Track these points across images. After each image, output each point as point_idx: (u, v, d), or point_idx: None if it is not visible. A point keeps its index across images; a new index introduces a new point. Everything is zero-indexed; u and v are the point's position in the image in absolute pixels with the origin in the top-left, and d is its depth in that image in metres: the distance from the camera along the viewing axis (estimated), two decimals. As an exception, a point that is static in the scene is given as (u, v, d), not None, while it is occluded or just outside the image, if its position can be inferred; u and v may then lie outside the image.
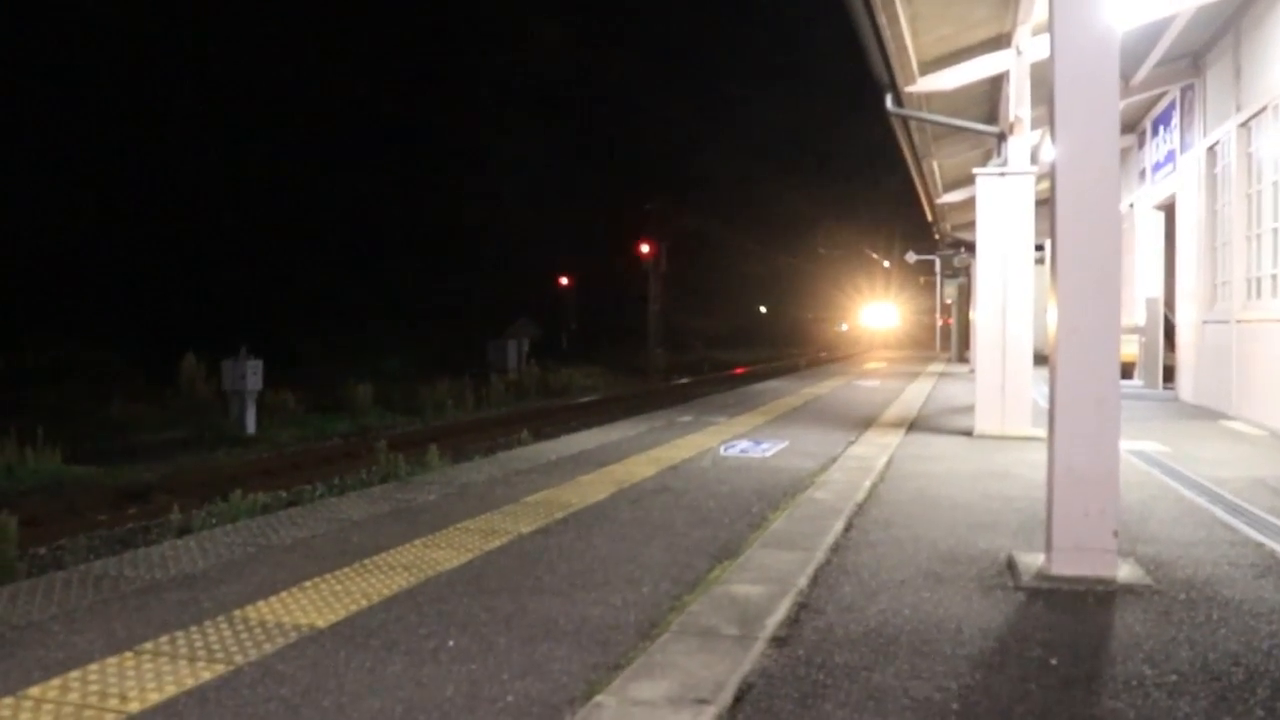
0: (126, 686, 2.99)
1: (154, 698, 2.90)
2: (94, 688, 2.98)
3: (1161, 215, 15.80)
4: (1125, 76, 11.89)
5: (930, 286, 41.96)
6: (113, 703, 2.86)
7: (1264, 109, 10.20)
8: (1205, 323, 12.50)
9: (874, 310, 61.02)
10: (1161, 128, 14.80)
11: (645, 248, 38.17)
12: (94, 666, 3.15)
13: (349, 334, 38.18)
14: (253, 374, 17.28)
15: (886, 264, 57.23)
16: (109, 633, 3.49)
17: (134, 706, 2.83)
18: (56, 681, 3.03)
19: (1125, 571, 4.21)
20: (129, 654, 3.27)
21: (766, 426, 10.40)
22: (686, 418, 11.43)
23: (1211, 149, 12.25)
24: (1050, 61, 4.27)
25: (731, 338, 58.56)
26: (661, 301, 38.55)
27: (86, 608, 3.80)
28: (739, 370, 38.31)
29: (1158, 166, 15.12)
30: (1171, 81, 13.16)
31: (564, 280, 55.84)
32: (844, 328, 59.32)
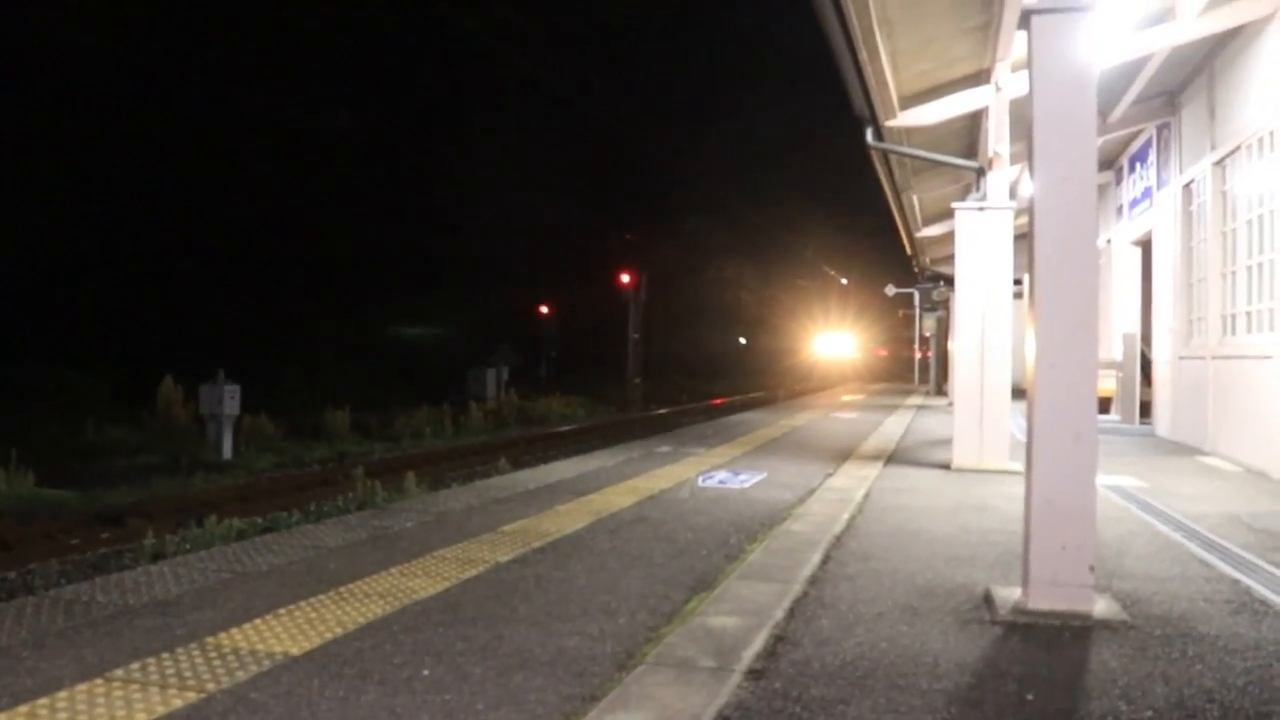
0: (96, 714, 2.95)
1: (124, 726, 2.86)
2: (63, 715, 2.94)
3: (1138, 251, 15.95)
4: (1103, 114, 12.03)
5: (909, 319, 42.17)
6: (82, 731, 2.82)
7: (1238, 148, 10.33)
8: (1181, 358, 12.60)
9: (849, 342, 61.31)
10: (1138, 164, 14.96)
11: (625, 277, 38.22)
12: (63, 694, 3.12)
13: (327, 360, 38.05)
14: (230, 399, 17.17)
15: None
16: (79, 659, 3.45)
17: (103, 735, 2.80)
18: (24, 709, 2.99)
19: (1102, 607, 4.22)
20: (99, 681, 3.24)
21: (744, 458, 10.41)
22: (665, 448, 11.42)
23: (1187, 186, 12.39)
24: (1029, 98, 4.33)
25: (710, 368, 58.63)
26: (641, 331, 38.56)
27: (57, 633, 3.75)
28: (718, 401, 38.34)
29: (1135, 203, 15.28)
30: (1148, 119, 13.32)
31: (544, 309, 55.83)
32: (821, 357, 59.49)
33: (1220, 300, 11.10)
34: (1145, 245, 15.22)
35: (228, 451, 17.08)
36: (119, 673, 3.32)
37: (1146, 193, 14.36)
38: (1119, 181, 16.54)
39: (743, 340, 73.59)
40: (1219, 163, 11.09)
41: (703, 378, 52.92)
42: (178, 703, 3.05)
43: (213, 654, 3.53)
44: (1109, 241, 16.81)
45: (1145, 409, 14.72)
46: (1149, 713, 3.08)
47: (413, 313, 49.02)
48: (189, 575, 4.75)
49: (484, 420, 25.41)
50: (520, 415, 27.83)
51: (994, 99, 10.08)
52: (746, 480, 8.51)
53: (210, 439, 17.27)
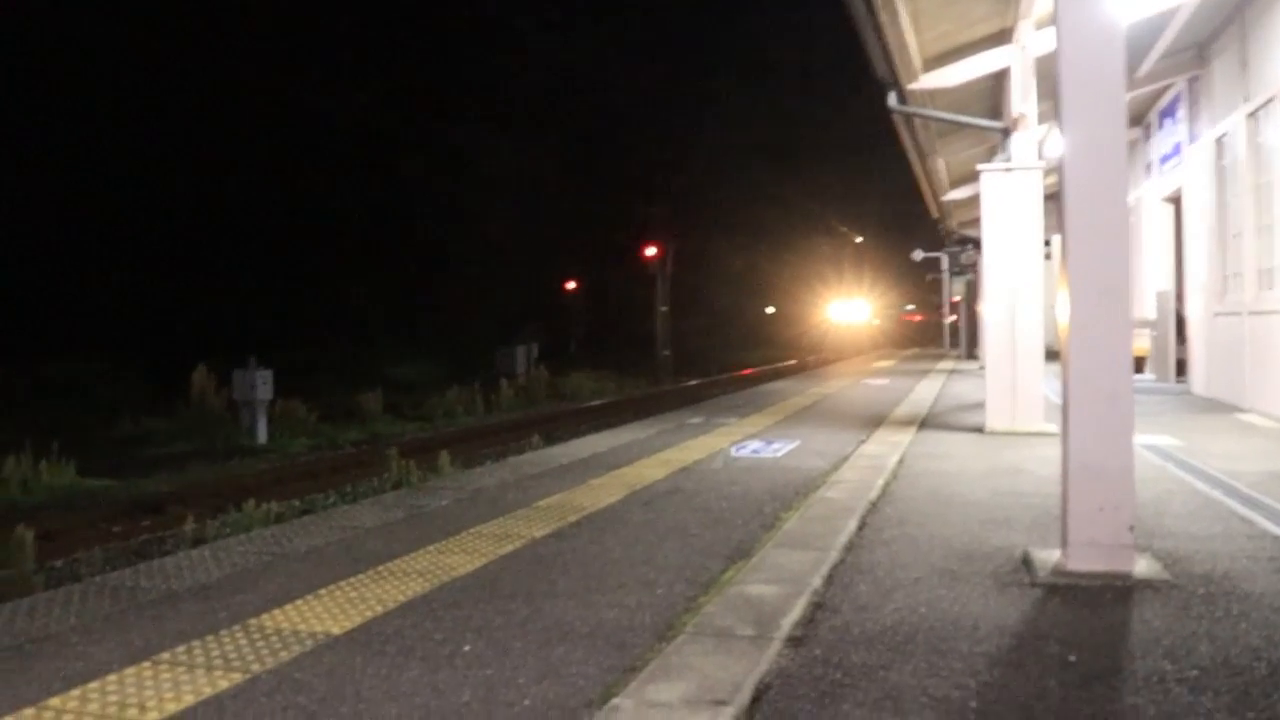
0: (145, 696, 2.99)
1: (172, 707, 2.90)
2: (113, 698, 2.98)
3: (1170, 208, 15.75)
4: (1131, 68, 11.86)
5: (937, 284, 41.85)
6: (131, 713, 2.87)
7: (1272, 99, 10.16)
8: (1216, 315, 12.46)
9: (877, 309, 61.06)
10: (1168, 120, 14.76)
11: (650, 250, 38.14)
12: (113, 677, 3.16)
13: (358, 343, 38.25)
14: (263, 384, 17.31)
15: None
16: (127, 643, 3.50)
17: (152, 716, 2.84)
18: (76, 692, 3.04)
19: (1142, 566, 4.19)
20: (147, 664, 3.28)
21: (777, 427, 10.39)
22: (696, 419, 11.42)
23: (1219, 140, 12.21)
24: (1056, 55, 4.26)
25: (739, 338, 58.50)
26: (668, 303, 38.52)
27: (104, 619, 3.81)
28: (747, 371, 38.26)
29: (1165, 159, 15.08)
30: (1177, 73, 13.11)
31: (570, 285, 55.86)
32: (849, 325, 59.19)
33: (1256, 255, 10.96)
34: (1176, 201, 15.03)
35: (262, 436, 17.23)
36: (165, 655, 3.36)
37: (1177, 148, 14.16)
38: (1148, 137, 16.32)
39: (771, 309, 73.34)
40: (1252, 115, 10.92)
41: (732, 348, 52.82)
42: (224, 684, 3.09)
43: (256, 635, 3.57)
44: (1139, 199, 16.61)
45: (1180, 367, 14.58)
46: (1194, 672, 3.07)
47: (442, 290, 49.14)
48: (229, 559, 4.80)
49: (515, 397, 25.50)
50: (551, 391, 27.91)
51: (1018, 58, 9.96)
52: (780, 449, 8.50)
53: (244, 424, 17.43)
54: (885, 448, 8.45)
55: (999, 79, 11.86)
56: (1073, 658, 3.21)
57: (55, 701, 2.97)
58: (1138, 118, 16.11)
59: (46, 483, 12.36)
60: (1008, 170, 9.50)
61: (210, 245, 39.66)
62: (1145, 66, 12.07)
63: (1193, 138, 13.24)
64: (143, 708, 2.90)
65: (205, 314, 35.11)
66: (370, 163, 50.43)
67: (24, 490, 11.97)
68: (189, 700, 2.96)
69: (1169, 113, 14.61)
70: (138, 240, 36.94)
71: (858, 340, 54.74)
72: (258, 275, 39.86)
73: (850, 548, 4.78)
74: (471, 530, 5.37)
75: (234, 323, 33.39)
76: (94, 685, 3.10)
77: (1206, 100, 12.53)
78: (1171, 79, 13.48)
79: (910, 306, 75.38)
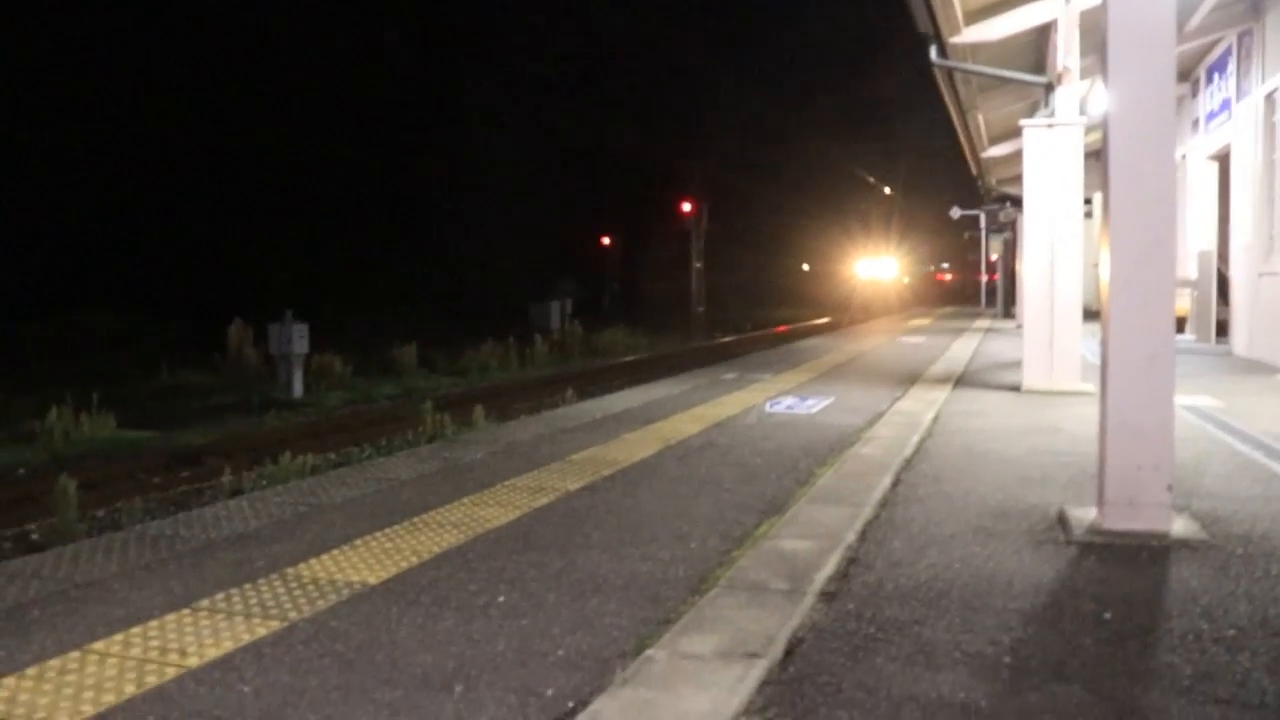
0: (186, 642, 3.04)
1: (212, 653, 2.95)
2: (154, 643, 3.04)
3: (1215, 166, 15.47)
4: (1179, 22, 11.58)
5: (975, 242, 41.47)
6: (173, 658, 2.92)
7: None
8: (1261, 275, 12.25)
9: (914, 266, 60.57)
10: (1216, 75, 14.45)
11: (686, 205, 37.96)
12: (154, 623, 3.22)
13: (393, 297, 38.41)
14: (299, 338, 17.41)
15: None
16: (167, 590, 3.56)
17: (193, 661, 2.89)
18: (119, 637, 3.09)
19: (1180, 526, 4.15)
20: (187, 611, 3.33)
21: (811, 383, 10.36)
22: (730, 375, 11.41)
23: (1270, 96, 11.94)
24: (1103, 7, 4.17)
25: (774, 295, 58.25)
26: (703, 259, 38.39)
27: (145, 567, 3.87)
28: (781, 328, 38.12)
29: (1212, 116, 14.79)
30: (1228, 27, 12.82)
31: (605, 240, 55.73)
32: (885, 282, 58.80)
33: (1303, 213, 10.75)
34: (1223, 160, 14.75)
35: (298, 390, 17.37)
36: (205, 603, 3.42)
37: (1225, 104, 13.88)
38: (1195, 94, 15.99)
39: (806, 266, 72.92)
40: (1303, 69, 10.67)
41: (767, 305, 52.62)
42: (262, 631, 3.13)
43: (293, 584, 3.62)
44: (1184, 157, 16.31)
45: (1221, 328, 14.38)
46: (1232, 631, 3.04)
47: (476, 245, 49.21)
48: (266, 510, 4.86)
49: (549, 353, 25.55)
50: (585, 347, 27.94)
51: (1063, 11, 9.77)
52: (814, 405, 8.47)
53: (281, 378, 17.56)
54: (920, 405, 8.40)
55: (1042, 33, 11.65)
56: (1108, 615, 3.19)
57: (99, 645, 3.03)
58: (1185, 73, 15.78)
59: (88, 434, 12.54)
60: (1050, 126, 9.35)
61: (249, 202, 39.88)
62: (1195, 20, 11.80)
63: (1241, 94, 12.96)
64: (183, 653, 2.95)
65: (243, 269, 35.38)
66: (406, 119, 50.40)
67: (66, 441, 12.15)
68: (228, 646, 3.00)
69: (1218, 68, 14.30)
70: (178, 195, 37.20)
71: (893, 298, 54.32)
72: (294, 232, 40.05)
73: (884, 504, 4.77)
74: (506, 483, 5.40)
75: (270, 278, 33.63)
76: (136, 630, 3.15)
77: (1258, 55, 12.24)
78: (1221, 32, 13.18)
79: (946, 265, 74.70)
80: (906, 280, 62.18)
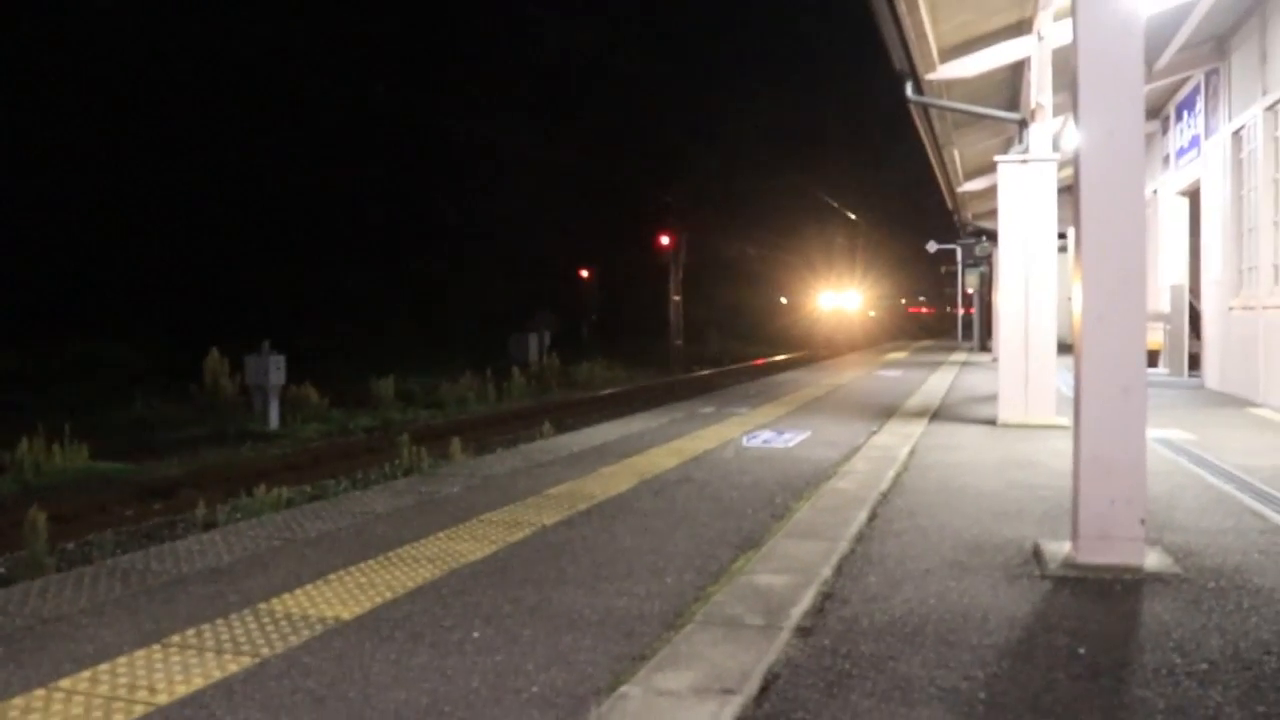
0: (155, 679, 3.00)
1: (182, 690, 2.91)
2: (123, 680, 3.00)
3: (1186, 201, 15.67)
4: (1149, 61, 11.78)
5: (951, 275, 41.76)
6: (142, 695, 2.88)
7: (1290, 92, 10.09)
8: (1231, 309, 12.39)
9: (891, 301, 60.95)
10: (1185, 113, 14.66)
11: (664, 239, 38.08)
12: (123, 659, 3.18)
13: (371, 329, 38.30)
14: (275, 369, 17.34)
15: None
16: (137, 626, 3.52)
17: (163, 699, 2.85)
18: (86, 674, 3.05)
19: (1153, 560, 4.18)
20: (157, 647, 3.29)
21: (788, 417, 10.38)
22: (708, 409, 11.42)
23: (1237, 134, 12.13)
24: (1073, 46, 4.23)
25: (752, 328, 58.41)
26: (681, 293, 38.47)
27: (115, 601, 3.82)
28: (760, 361, 38.22)
29: (1182, 152, 14.99)
30: (1196, 66, 13.03)
31: (584, 272, 55.80)
32: (863, 316, 59.08)
33: (1272, 249, 10.89)
34: (1193, 195, 14.95)
35: (274, 421, 17.27)
36: (175, 638, 3.38)
37: (1194, 141, 14.08)
38: (1165, 131, 16.22)
39: (784, 300, 73.20)
40: (1271, 108, 10.85)
41: (745, 338, 52.77)
42: (233, 667, 3.10)
43: (265, 619, 3.59)
44: (1155, 192, 16.52)
45: (1194, 361, 14.52)
46: (1204, 665, 3.05)
47: (455, 277, 49.16)
48: (240, 543, 4.82)
49: (527, 385, 25.51)
50: (563, 379, 27.92)
51: (1036, 49, 9.91)
52: (791, 439, 8.49)
53: (256, 409, 17.47)
54: (897, 439, 8.43)
55: (1016, 70, 11.82)
56: (1082, 650, 3.20)
57: (66, 683, 2.99)
58: (1155, 111, 16.02)
59: (60, 465, 12.41)
60: (1024, 162, 9.45)
61: (224, 231, 39.76)
62: (1164, 59, 11.99)
63: (1210, 131, 13.15)
64: (153, 690, 2.92)
65: (219, 299, 35.22)
66: (384, 149, 50.46)
67: (37, 473, 12.03)
68: (199, 683, 2.97)
69: (1187, 106, 14.52)
70: (153, 225, 37.05)
71: (870, 332, 54.60)
72: (271, 261, 39.94)
73: (860, 538, 4.77)
74: (482, 517, 5.38)
75: (248, 307, 33.48)
76: (104, 667, 3.11)
77: (1225, 93, 12.44)
78: (1190, 72, 13.40)
79: (922, 298, 75.19)
80: (872, 314, 62.50)
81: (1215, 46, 12.49)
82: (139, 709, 2.78)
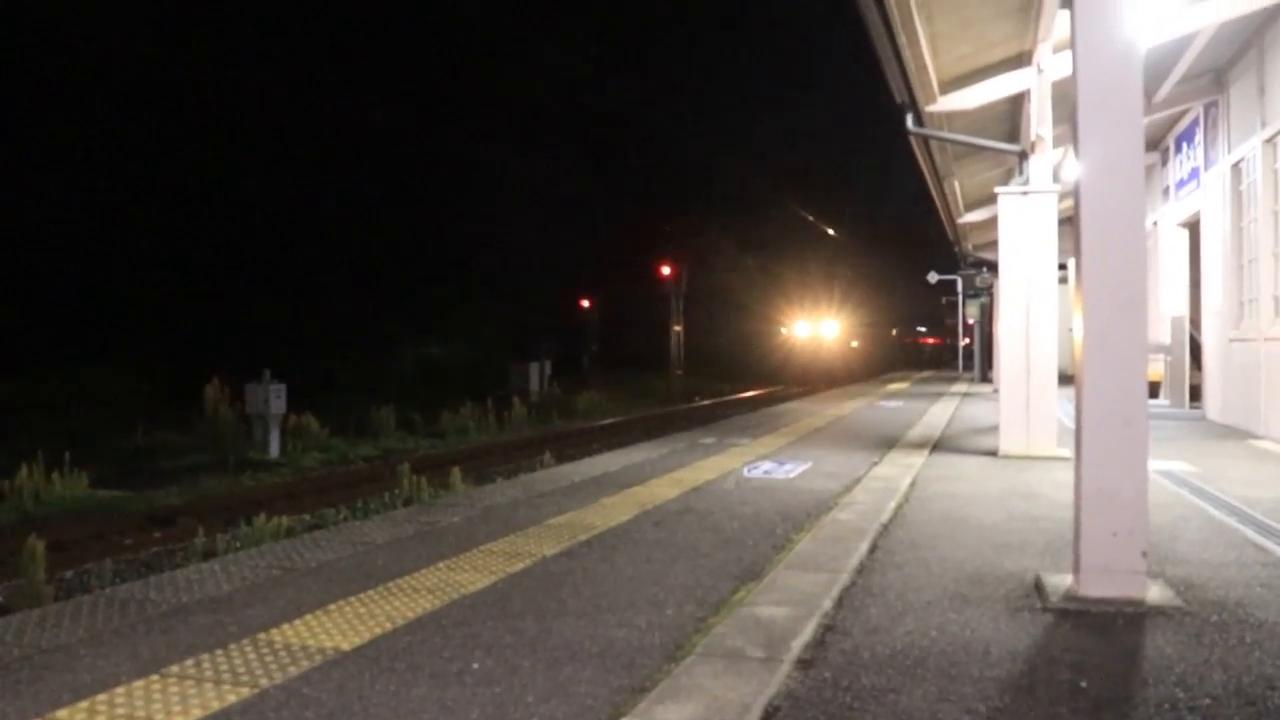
0: (153, 710, 2.99)
1: (180, 721, 2.90)
2: (121, 711, 2.98)
3: (1186, 233, 15.71)
4: (1148, 93, 11.85)
5: (952, 307, 41.83)
6: (139, 726, 2.86)
7: (1289, 125, 10.14)
8: (1232, 341, 12.40)
9: (892, 331, 60.95)
10: (1185, 145, 14.73)
11: (666, 269, 38.18)
12: (121, 690, 3.16)
13: (371, 358, 38.32)
14: (276, 398, 17.36)
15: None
16: (136, 656, 3.50)
17: (160, 730, 2.84)
18: (84, 705, 3.04)
19: (1155, 593, 4.16)
20: (155, 677, 3.28)
21: (789, 448, 10.37)
22: (709, 439, 11.41)
23: (1236, 166, 12.18)
24: (1073, 79, 4.26)
25: (753, 359, 58.39)
26: (683, 323, 38.53)
27: (113, 631, 3.81)
28: (761, 392, 38.21)
29: (1181, 184, 15.05)
30: (1195, 98, 13.10)
31: (585, 302, 55.90)
32: (864, 346, 59.14)
33: (1273, 281, 10.91)
34: (1193, 227, 15.00)
35: (275, 450, 17.27)
36: (174, 669, 3.36)
37: (1194, 173, 14.14)
38: (1165, 163, 16.29)
39: (785, 330, 73.23)
40: (1270, 140, 10.89)
41: (746, 369, 52.75)
42: (232, 698, 3.08)
43: (265, 650, 3.57)
44: (1155, 224, 16.57)
45: (1195, 393, 14.51)
46: (1207, 700, 3.04)
47: (456, 306, 49.26)
48: (240, 573, 4.80)
49: (527, 415, 25.51)
50: (563, 409, 27.93)
51: (1036, 81, 9.96)
52: (792, 470, 8.48)
53: (257, 438, 17.47)
54: (898, 470, 8.42)
55: (1016, 102, 11.87)
56: (1084, 684, 3.18)
57: (63, 714, 2.97)
58: (1155, 143, 16.10)
59: (59, 493, 12.40)
60: (1025, 193, 9.49)
61: (226, 259, 39.87)
62: (1163, 91, 12.07)
63: (1209, 163, 13.21)
64: (151, 721, 2.90)
65: (220, 327, 35.25)
66: (387, 177, 50.68)
67: (36, 501, 12.01)
68: (197, 714, 2.95)
69: (1186, 138, 14.59)
70: (154, 252, 37.14)
71: (871, 362, 54.59)
72: (273, 289, 40.02)
73: (861, 570, 4.76)
74: (482, 547, 5.36)
75: (248, 336, 33.50)
76: (102, 698, 3.09)
77: (1224, 125, 12.51)
78: (1189, 104, 13.47)
79: (922, 329, 75.23)
80: (856, 345, 62.44)
81: (1214, 79, 12.56)
82: (137, 740, 2.77)
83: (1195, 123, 13.87)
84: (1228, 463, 8.74)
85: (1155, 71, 11.38)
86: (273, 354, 21.89)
